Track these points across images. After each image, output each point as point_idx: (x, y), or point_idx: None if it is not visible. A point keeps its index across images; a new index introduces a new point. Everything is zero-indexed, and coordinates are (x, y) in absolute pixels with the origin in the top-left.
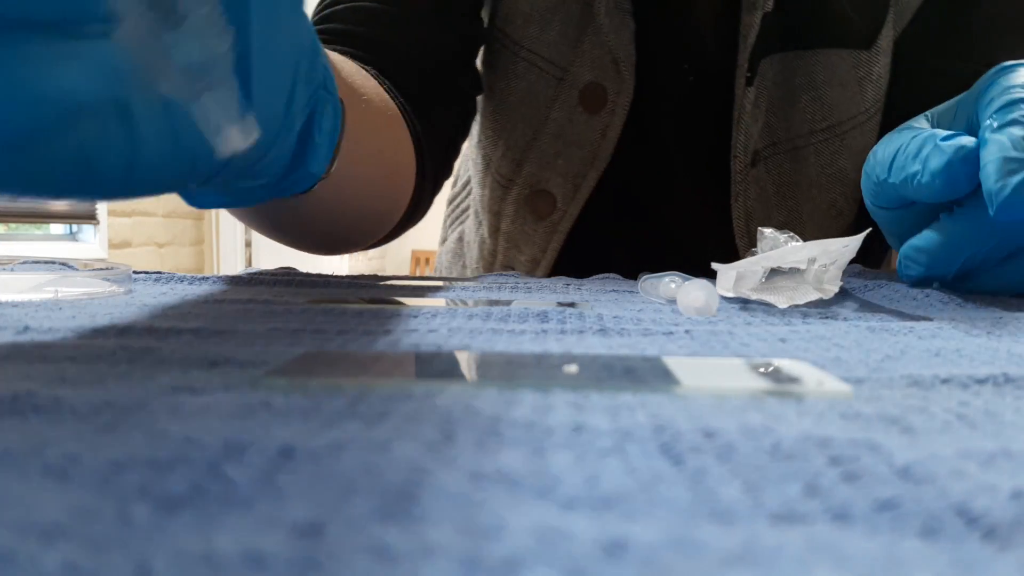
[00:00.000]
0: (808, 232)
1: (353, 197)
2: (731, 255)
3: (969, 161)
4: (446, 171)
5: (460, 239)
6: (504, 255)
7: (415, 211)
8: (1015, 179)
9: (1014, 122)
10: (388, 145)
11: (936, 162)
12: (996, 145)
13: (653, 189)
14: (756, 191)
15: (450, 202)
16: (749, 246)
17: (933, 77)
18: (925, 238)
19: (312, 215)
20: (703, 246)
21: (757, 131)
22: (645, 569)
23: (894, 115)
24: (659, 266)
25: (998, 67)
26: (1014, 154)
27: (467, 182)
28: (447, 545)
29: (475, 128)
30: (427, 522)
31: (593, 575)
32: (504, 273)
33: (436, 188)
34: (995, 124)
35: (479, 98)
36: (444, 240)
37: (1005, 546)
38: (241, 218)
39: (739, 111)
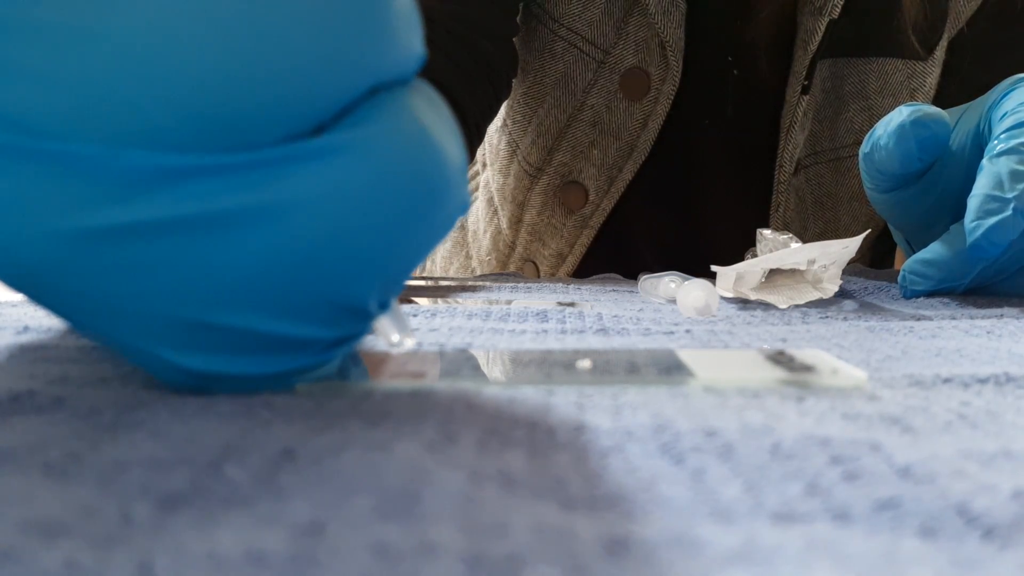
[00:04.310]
0: None
1: None
2: None
3: (921, 125)
4: (468, 159)
5: (461, 227)
6: (525, 248)
7: None
8: (989, 221)
9: (1014, 150)
10: None
11: (893, 124)
12: (987, 178)
13: (690, 188)
14: (795, 201)
15: None
16: None
17: (979, 91)
18: (934, 251)
19: None
20: (737, 252)
21: (803, 139)
22: (645, 568)
23: None
24: (689, 268)
25: (1017, 77)
26: (997, 192)
27: (473, 172)
28: (449, 543)
29: (501, 110)
30: (428, 521)
31: (594, 574)
32: (504, 273)
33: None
34: (997, 147)
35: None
36: None
37: (1005, 545)
38: None
39: (790, 119)
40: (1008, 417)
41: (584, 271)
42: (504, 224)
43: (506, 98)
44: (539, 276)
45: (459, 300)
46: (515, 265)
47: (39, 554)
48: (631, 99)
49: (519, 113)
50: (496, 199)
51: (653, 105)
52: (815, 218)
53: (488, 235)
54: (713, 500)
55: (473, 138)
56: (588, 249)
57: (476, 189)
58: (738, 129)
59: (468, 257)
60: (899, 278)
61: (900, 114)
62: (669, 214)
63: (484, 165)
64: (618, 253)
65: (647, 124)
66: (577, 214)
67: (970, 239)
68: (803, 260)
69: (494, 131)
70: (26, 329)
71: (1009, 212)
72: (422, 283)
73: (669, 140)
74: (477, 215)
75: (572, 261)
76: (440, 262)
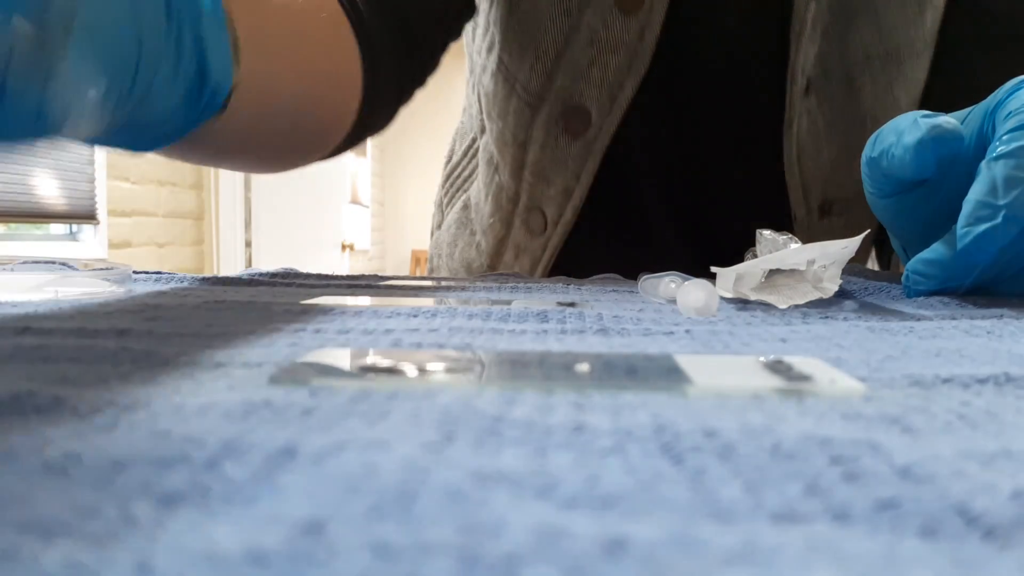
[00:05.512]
0: (857, 170)
1: (276, 112)
2: (779, 189)
3: (942, 142)
4: (423, 71)
5: (465, 207)
6: (529, 194)
7: (371, 117)
8: (979, 229)
9: (1013, 154)
10: (315, 53)
11: (910, 137)
12: (982, 183)
13: (694, 107)
14: (807, 123)
15: (447, 179)
16: (801, 183)
17: (992, 18)
18: (936, 251)
19: (239, 137)
20: (750, 178)
21: (813, 54)
22: (645, 568)
23: (947, 55)
24: (699, 198)
25: (1021, 78)
26: (990, 199)
27: (467, 149)
28: (447, 543)
29: (491, 59)
30: (427, 520)
31: (593, 574)
32: (504, 274)
33: (405, 92)
34: (998, 148)
35: (500, 15)
36: (440, 225)
37: (1005, 546)
38: (174, 156)
39: (800, 27)
40: (1008, 417)
41: (590, 209)
42: (506, 176)
43: (468, 18)
44: (545, 227)
45: (461, 301)
46: (520, 219)
47: (38, 554)
48: (626, 12)
49: (515, 44)
50: (496, 151)
51: (648, 15)
52: (829, 143)
53: (490, 199)
54: (713, 500)
55: (433, 51)
56: (595, 181)
57: (477, 166)
58: (743, 45)
59: (472, 234)
60: (903, 278)
61: (917, 128)
62: (675, 139)
63: (482, 130)
64: (626, 186)
65: (643, 36)
66: (581, 139)
67: (960, 245)
68: (803, 260)
69: (488, 79)
70: (26, 330)
71: (999, 220)
72: (425, 283)
73: (671, 59)
74: (478, 187)
75: (579, 195)
76: (446, 248)
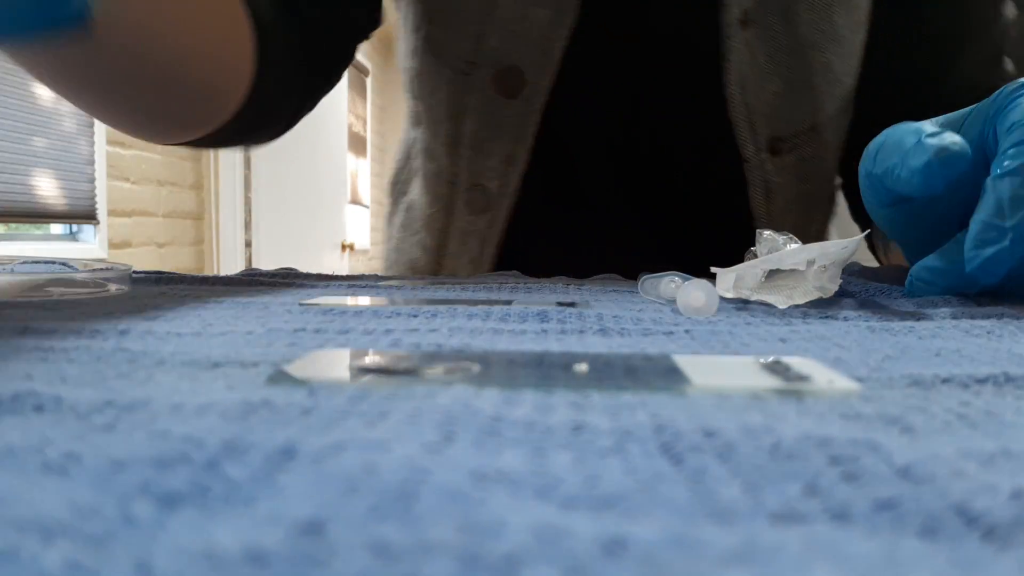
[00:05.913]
0: (804, 102)
1: (152, 54)
2: (726, 130)
3: (949, 164)
4: (334, 68)
5: (408, 210)
6: (470, 172)
7: (261, 105)
8: (986, 252)
9: (1019, 171)
10: (203, 8)
11: (916, 160)
12: (988, 203)
13: (630, 53)
14: (748, 56)
15: (391, 190)
16: (747, 120)
17: None
18: (941, 259)
19: (107, 71)
20: (695, 121)
21: None
22: (645, 568)
23: None
24: (645, 148)
25: (1021, 81)
26: (996, 220)
27: (407, 153)
28: (447, 543)
29: (418, 38)
30: (427, 520)
31: (593, 574)
32: (504, 273)
33: (317, 85)
34: (1004, 164)
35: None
36: (390, 237)
37: (1005, 546)
38: (36, 69)
39: None
40: (1008, 417)
41: (533, 179)
42: (443, 158)
43: (375, 27)
44: (489, 204)
45: (451, 301)
46: (462, 201)
47: (38, 554)
48: None
49: (439, 14)
50: (430, 135)
51: None
52: (772, 75)
53: (428, 190)
54: (713, 500)
55: (343, 46)
56: (537, 143)
57: (418, 170)
58: None
59: (415, 233)
60: (906, 283)
61: (923, 150)
62: (612, 92)
63: (417, 122)
64: (565, 153)
65: None
66: (518, 99)
67: (968, 268)
68: (802, 260)
69: (417, 60)
70: (26, 330)
71: (1007, 243)
72: (425, 283)
73: (599, 4)
74: (416, 185)
75: (523, 160)
76: (393, 255)
